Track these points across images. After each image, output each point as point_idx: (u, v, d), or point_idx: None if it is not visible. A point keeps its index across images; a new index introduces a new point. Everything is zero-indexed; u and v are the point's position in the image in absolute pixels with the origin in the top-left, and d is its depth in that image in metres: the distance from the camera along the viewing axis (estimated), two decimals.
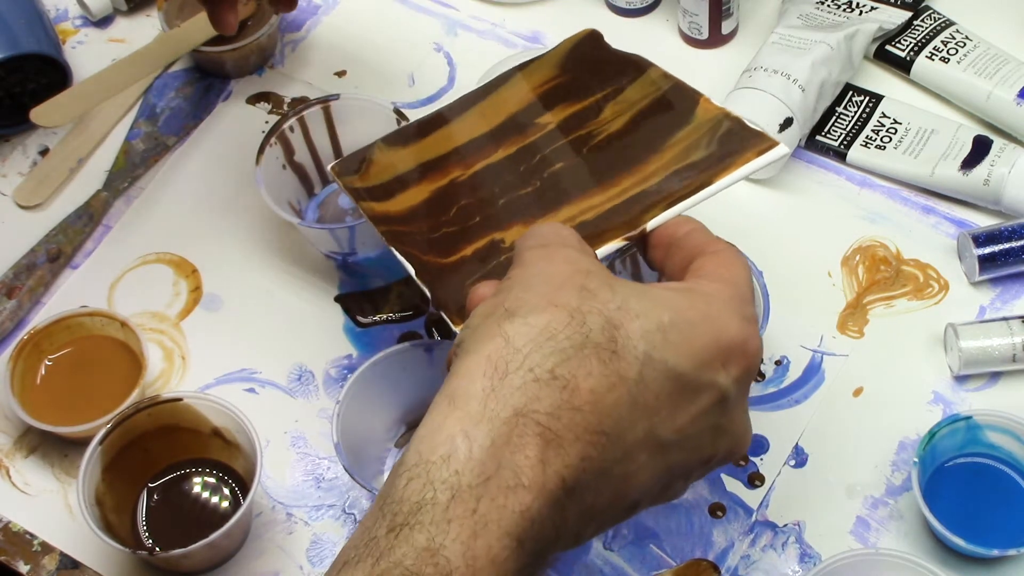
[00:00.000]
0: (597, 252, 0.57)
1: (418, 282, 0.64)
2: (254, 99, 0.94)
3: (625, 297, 0.48)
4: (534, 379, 0.46)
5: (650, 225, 0.59)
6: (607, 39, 0.76)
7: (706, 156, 0.63)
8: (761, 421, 0.77)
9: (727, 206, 0.86)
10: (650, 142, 0.66)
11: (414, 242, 0.67)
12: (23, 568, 0.74)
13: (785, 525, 0.73)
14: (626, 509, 0.50)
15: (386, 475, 0.76)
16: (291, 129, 0.84)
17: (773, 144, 0.62)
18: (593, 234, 0.59)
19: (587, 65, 0.75)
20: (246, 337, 0.83)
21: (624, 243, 0.59)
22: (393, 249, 0.66)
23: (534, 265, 0.51)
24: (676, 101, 0.68)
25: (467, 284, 0.62)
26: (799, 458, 0.76)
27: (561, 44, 0.77)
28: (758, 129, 0.63)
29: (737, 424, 0.52)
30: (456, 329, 0.59)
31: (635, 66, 0.72)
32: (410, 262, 0.65)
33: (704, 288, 0.51)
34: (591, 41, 0.77)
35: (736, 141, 0.63)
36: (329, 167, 0.75)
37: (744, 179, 0.62)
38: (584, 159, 0.68)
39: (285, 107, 0.93)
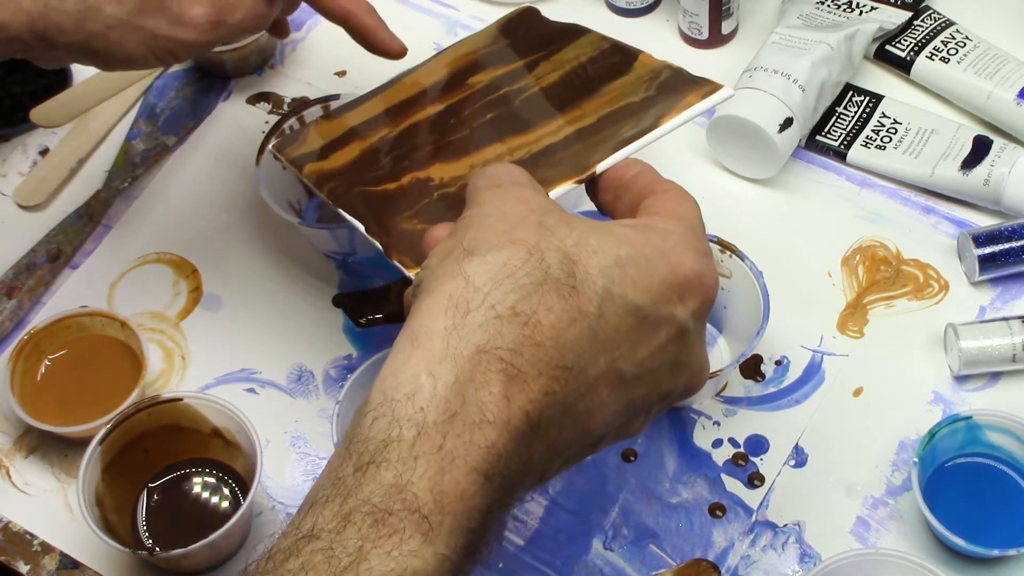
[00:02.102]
0: (550, 194, 0.58)
1: (369, 237, 0.63)
2: (254, 99, 0.94)
3: (582, 233, 0.49)
4: (495, 316, 0.46)
5: (600, 168, 0.59)
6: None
7: (646, 98, 0.64)
8: (761, 421, 0.77)
9: (727, 206, 0.86)
10: (585, 90, 0.67)
11: (350, 193, 0.67)
12: (23, 568, 0.74)
13: (785, 525, 0.73)
14: (591, 445, 0.50)
15: None
16: (291, 129, 0.84)
17: (717, 87, 0.62)
18: (542, 178, 0.59)
19: (521, 35, 0.75)
20: (246, 337, 0.83)
21: (575, 185, 0.59)
22: (341, 210, 0.66)
23: (489, 204, 0.51)
24: (613, 57, 0.69)
25: (400, 220, 0.63)
26: (799, 458, 0.76)
27: (495, 21, 0.78)
28: (698, 75, 0.63)
29: (695, 358, 0.52)
30: (410, 274, 0.59)
31: (572, 32, 0.73)
32: (358, 219, 0.65)
33: (658, 224, 0.51)
34: (527, 15, 0.77)
35: (678, 86, 0.63)
36: (270, 146, 0.75)
37: (690, 121, 0.62)
38: (515, 108, 0.68)
39: (285, 107, 0.93)
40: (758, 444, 0.76)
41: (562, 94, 0.68)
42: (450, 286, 0.47)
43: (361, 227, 0.64)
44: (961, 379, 0.78)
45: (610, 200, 0.57)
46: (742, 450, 0.76)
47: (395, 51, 0.75)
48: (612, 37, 0.71)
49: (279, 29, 0.80)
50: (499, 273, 0.47)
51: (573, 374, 0.47)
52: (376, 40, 0.74)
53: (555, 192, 0.59)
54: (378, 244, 0.62)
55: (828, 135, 0.88)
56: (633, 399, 0.50)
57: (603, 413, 0.49)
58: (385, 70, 0.95)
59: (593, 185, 0.59)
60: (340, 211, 0.66)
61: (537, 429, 0.47)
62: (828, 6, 0.92)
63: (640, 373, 0.49)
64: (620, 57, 0.68)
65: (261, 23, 0.72)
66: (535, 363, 0.46)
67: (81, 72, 0.93)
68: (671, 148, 0.85)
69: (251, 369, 0.81)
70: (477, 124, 0.68)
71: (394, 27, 0.99)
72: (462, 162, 0.66)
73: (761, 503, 0.74)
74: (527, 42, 0.74)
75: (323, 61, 0.96)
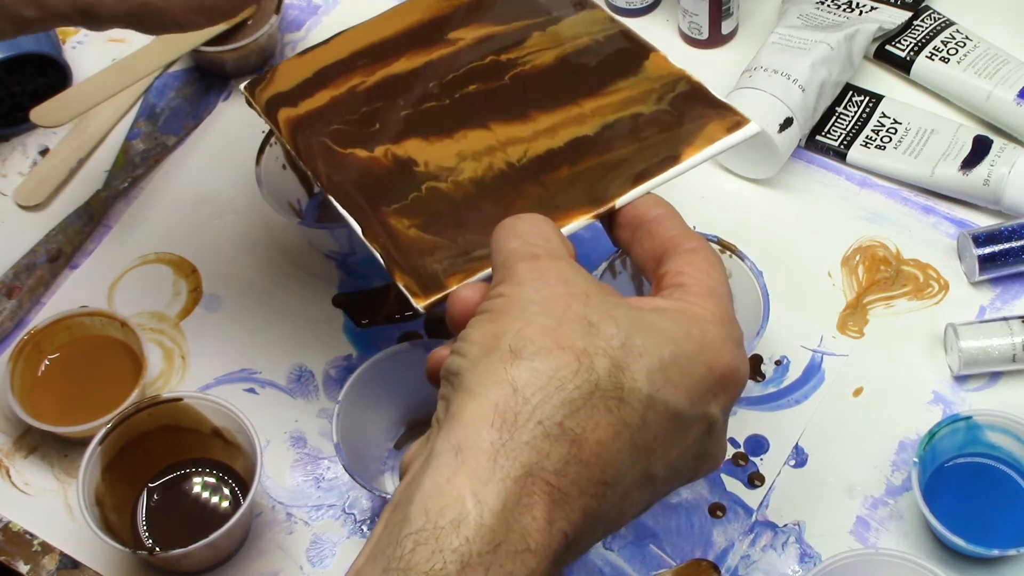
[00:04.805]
0: (563, 229, 0.55)
1: (369, 244, 0.59)
2: None
3: (628, 332, 0.47)
4: (544, 434, 0.45)
5: (619, 203, 0.56)
6: None
7: (658, 113, 0.60)
8: (761, 421, 0.77)
9: (727, 206, 0.86)
10: (585, 82, 0.63)
11: (316, 145, 0.64)
12: (23, 568, 0.74)
13: (785, 525, 0.73)
14: (610, 536, 0.50)
15: (386, 475, 0.76)
16: None
17: (743, 121, 0.58)
18: (554, 204, 0.56)
19: None
20: (246, 337, 0.83)
21: (591, 220, 0.56)
22: (333, 199, 0.62)
23: (528, 284, 0.49)
24: (621, 48, 0.65)
25: (387, 212, 0.59)
26: (799, 458, 0.76)
27: None
28: (722, 100, 0.60)
29: (719, 447, 0.52)
30: (418, 305, 0.56)
31: (575, 1, 0.68)
32: (349, 210, 0.61)
33: (694, 310, 0.50)
34: None
35: (698, 108, 0.60)
36: (241, 86, 0.71)
37: (713, 158, 0.59)
38: (503, 86, 0.64)
39: None
40: (758, 444, 0.76)
41: (558, 81, 0.63)
42: (496, 394, 0.46)
43: (358, 228, 0.60)
44: (961, 379, 0.78)
45: (627, 238, 0.56)
46: (742, 450, 0.76)
47: None
48: (621, 21, 0.66)
49: None
50: (548, 384, 0.46)
51: (611, 487, 0.46)
52: None
53: (570, 227, 0.56)
54: (379, 257, 0.59)
55: (828, 135, 0.88)
56: (659, 493, 0.50)
57: (631, 513, 0.49)
58: None
59: (610, 218, 0.57)
60: (332, 199, 0.62)
61: (572, 546, 0.46)
62: (828, 6, 0.92)
63: (669, 473, 0.49)
64: (629, 50, 0.64)
65: None
66: (578, 482, 0.45)
67: (81, 72, 0.93)
68: None
69: (251, 369, 0.81)
70: (459, 95, 0.64)
71: None
72: (445, 145, 0.62)
73: (761, 503, 0.74)
74: None
75: None
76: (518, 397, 0.45)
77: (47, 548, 0.75)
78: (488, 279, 0.54)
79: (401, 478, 0.48)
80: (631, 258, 0.56)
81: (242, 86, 0.71)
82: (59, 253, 0.86)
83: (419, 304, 0.56)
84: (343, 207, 0.61)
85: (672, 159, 0.58)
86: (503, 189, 0.59)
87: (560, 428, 0.45)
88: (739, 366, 0.50)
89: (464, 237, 0.58)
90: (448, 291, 0.55)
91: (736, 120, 0.59)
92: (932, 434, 0.71)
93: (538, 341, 0.47)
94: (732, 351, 0.50)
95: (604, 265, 0.75)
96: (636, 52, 0.64)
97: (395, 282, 0.58)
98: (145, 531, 0.75)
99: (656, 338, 0.48)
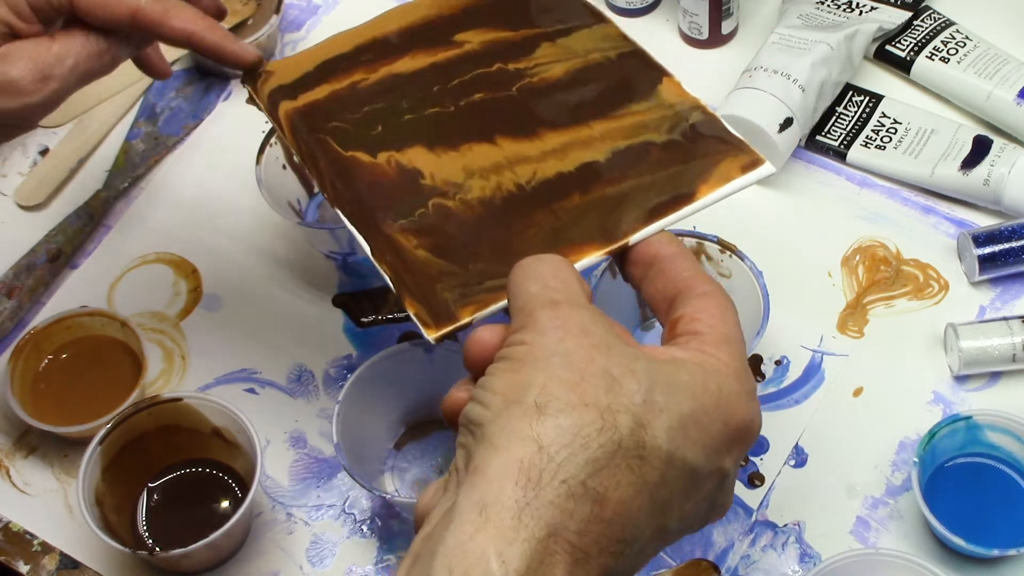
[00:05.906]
0: (576, 265, 0.54)
1: (377, 265, 0.58)
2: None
3: (648, 388, 0.47)
4: (568, 493, 0.45)
5: (632, 240, 0.55)
6: None
7: (670, 143, 0.59)
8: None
9: (727, 206, 0.85)
10: (596, 103, 0.61)
11: (321, 143, 0.62)
12: (23, 568, 0.74)
13: (785, 525, 0.73)
14: None
15: (386, 475, 0.76)
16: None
17: (759, 160, 0.58)
18: (566, 236, 0.56)
19: None
20: (246, 337, 0.83)
21: (604, 256, 0.55)
22: (341, 215, 0.60)
23: (550, 334, 0.48)
24: (634, 70, 0.63)
25: (392, 226, 0.58)
26: (799, 458, 0.76)
27: None
28: (736, 134, 0.59)
29: (728, 495, 0.52)
30: (429, 337, 0.54)
31: (587, 12, 0.67)
32: (355, 223, 0.59)
33: (711, 362, 0.50)
34: None
35: (712, 143, 0.59)
36: (241, 82, 0.69)
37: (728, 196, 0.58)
38: (511, 97, 0.63)
39: None
40: (758, 444, 0.76)
41: (567, 98, 0.62)
42: (521, 450, 0.45)
43: (367, 248, 0.58)
44: (961, 379, 0.78)
45: (638, 275, 0.55)
46: None
47: (248, 61, 0.68)
48: (633, 40, 0.65)
49: (151, 68, 0.71)
50: (573, 442, 0.45)
51: (629, 544, 0.47)
52: (226, 54, 0.67)
53: (583, 263, 0.55)
54: (389, 281, 0.57)
55: (828, 135, 0.88)
56: (668, 543, 0.50)
57: (642, 565, 0.49)
58: None
59: (622, 254, 0.56)
60: (339, 213, 0.61)
61: None
62: (828, 6, 0.92)
63: (681, 525, 0.49)
64: (641, 73, 0.63)
65: (104, 63, 0.65)
66: (599, 540, 0.45)
67: None
68: None
69: (251, 369, 0.81)
70: (465, 103, 0.63)
71: None
72: (451, 158, 0.60)
73: (761, 503, 0.74)
74: (530, 4, 0.67)
75: None
76: (543, 455, 0.45)
77: (47, 548, 0.75)
78: (502, 311, 0.53)
79: (417, 527, 0.48)
80: (641, 295, 0.55)
81: (241, 82, 0.69)
82: (59, 253, 0.86)
83: (431, 336, 0.55)
84: (351, 222, 0.60)
85: (687, 197, 0.57)
86: (513, 214, 0.58)
87: (584, 487, 0.45)
88: (753, 419, 0.50)
89: (475, 265, 0.56)
90: (460, 323, 0.54)
91: (752, 159, 0.58)
92: (932, 434, 0.71)
93: (563, 397, 0.46)
94: (747, 404, 0.50)
95: (604, 265, 0.75)
96: (650, 75, 0.63)
97: (406, 310, 0.56)
98: (145, 531, 0.75)
99: (675, 394, 0.48)
